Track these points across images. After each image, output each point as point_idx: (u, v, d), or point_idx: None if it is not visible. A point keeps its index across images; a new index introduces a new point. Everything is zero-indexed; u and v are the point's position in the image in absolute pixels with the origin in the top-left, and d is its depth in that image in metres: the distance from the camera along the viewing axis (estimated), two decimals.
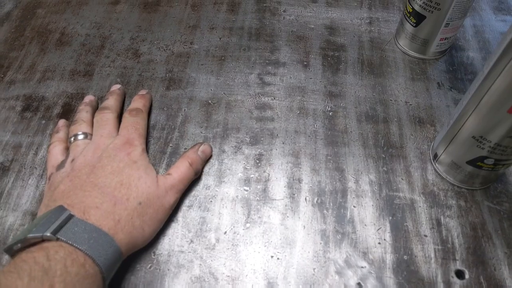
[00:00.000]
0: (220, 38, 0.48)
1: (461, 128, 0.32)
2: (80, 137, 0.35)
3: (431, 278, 0.31)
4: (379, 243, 0.33)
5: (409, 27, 0.43)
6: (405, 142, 0.39)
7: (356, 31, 0.48)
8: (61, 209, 0.28)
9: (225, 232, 0.34)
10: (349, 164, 0.37)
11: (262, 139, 0.39)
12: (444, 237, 0.33)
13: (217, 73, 0.44)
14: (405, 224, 0.34)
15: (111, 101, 0.39)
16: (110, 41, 0.48)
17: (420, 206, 0.35)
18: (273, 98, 0.42)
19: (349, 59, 0.45)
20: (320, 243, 0.33)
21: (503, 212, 0.34)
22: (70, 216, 0.28)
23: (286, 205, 0.35)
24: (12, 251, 0.27)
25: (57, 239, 0.26)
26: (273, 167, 0.37)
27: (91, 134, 0.36)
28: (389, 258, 0.32)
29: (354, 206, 0.35)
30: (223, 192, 0.36)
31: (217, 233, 0.34)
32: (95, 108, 0.40)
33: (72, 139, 0.36)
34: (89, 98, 0.41)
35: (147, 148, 0.38)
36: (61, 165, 0.33)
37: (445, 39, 0.42)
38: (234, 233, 0.34)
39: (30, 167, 0.38)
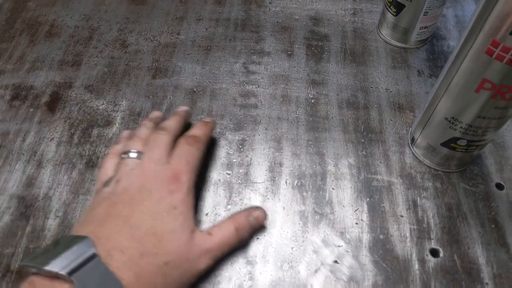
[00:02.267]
0: (206, 29, 0.48)
1: (434, 110, 0.32)
2: (133, 155, 0.32)
3: (406, 256, 0.32)
4: (356, 223, 0.34)
5: (390, 17, 0.44)
6: (385, 127, 0.39)
7: (340, 21, 0.49)
8: (87, 244, 0.26)
9: (207, 214, 0.35)
10: (329, 149, 0.38)
11: (245, 125, 0.40)
12: (420, 217, 0.34)
13: (202, 62, 0.45)
14: (382, 205, 0.35)
15: (171, 122, 0.35)
16: (98, 32, 0.49)
17: (397, 188, 0.36)
18: (257, 86, 0.43)
19: (332, 49, 0.46)
20: (299, 224, 0.34)
21: (478, 194, 0.35)
22: (94, 256, 0.25)
23: (267, 188, 0.36)
24: (27, 271, 0.26)
25: (71, 281, 0.24)
26: (255, 152, 0.38)
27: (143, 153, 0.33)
28: (365, 237, 0.33)
29: (333, 188, 0.36)
30: (205, 176, 0.37)
31: (199, 214, 0.35)
32: (157, 125, 0.36)
33: (124, 155, 0.33)
34: (155, 114, 0.38)
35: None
36: (107, 183, 0.31)
37: (425, 27, 0.43)
38: (216, 214, 0.35)
39: (18, 153, 0.39)
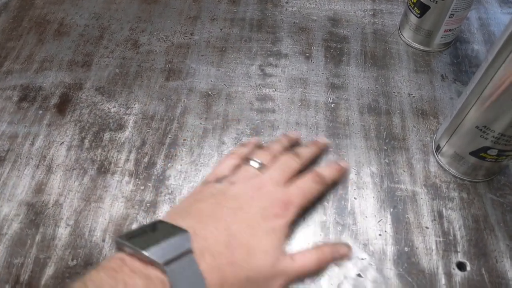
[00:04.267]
0: (221, 29, 0.47)
1: (464, 118, 0.31)
2: (255, 165, 0.33)
3: (432, 270, 0.31)
4: (379, 234, 0.33)
5: (413, 18, 0.42)
6: (408, 134, 0.38)
7: (360, 23, 0.47)
8: (185, 239, 0.26)
9: None
10: (350, 156, 0.37)
11: (262, 130, 0.39)
12: (446, 229, 0.33)
13: (217, 64, 0.44)
14: (406, 216, 0.33)
15: (307, 152, 0.35)
16: (109, 31, 0.47)
17: (422, 198, 0.34)
18: (274, 89, 0.42)
19: (352, 51, 0.45)
20: (320, 235, 0.33)
21: (506, 205, 0.34)
22: (188, 252, 0.26)
23: None
24: (120, 248, 0.26)
25: (164, 272, 0.24)
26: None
27: (266, 168, 0.33)
28: (389, 249, 0.32)
29: (355, 198, 0.34)
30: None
31: None
32: (292, 145, 0.37)
33: (247, 161, 0.33)
34: (296, 135, 0.38)
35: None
36: (220, 180, 0.32)
37: (449, 30, 0.41)
38: None
39: (26, 157, 0.37)
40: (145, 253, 0.24)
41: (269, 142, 0.37)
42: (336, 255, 0.31)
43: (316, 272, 0.31)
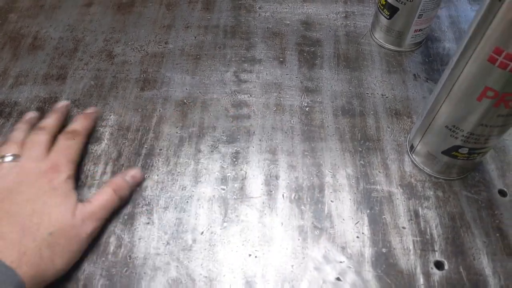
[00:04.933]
0: (195, 37, 0.47)
1: (435, 117, 0.31)
2: (8, 159, 0.33)
3: (410, 270, 0.31)
4: (357, 237, 0.33)
5: (383, 20, 0.43)
6: (382, 135, 0.38)
7: (332, 25, 0.48)
8: None
9: (202, 233, 0.33)
10: (326, 159, 0.37)
11: (238, 137, 0.39)
12: (423, 229, 0.33)
13: (192, 72, 0.44)
14: (383, 217, 0.34)
15: (50, 121, 0.37)
16: (83, 43, 0.47)
17: (398, 198, 0.35)
18: (249, 95, 0.42)
19: (325, 54, 0.45)
20: (298, 239, 0.33)
21: (481, 201, 0.34)
22: None
23: (263, 203, 0.35)
24: None
25: None
26: (250, 165, 0.37)
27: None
28: (367, 251, 0.32)
29: (331, 201, 0.35)
30: (199, 192, 0.35)
31: (193, 233, 0.33)
32: (34, 126, 0.37)
33: (2, 158, 0.33)
34: (29, 115, 0.39)
35: (78, 175, 0.36)
36: None
37: (419, 30, 0.42)
38: (211, 233, 0.33)
39: None
40: None
41: (10, 132, 0.36)
42: (128, 180, 0.34)
43: (118, 202, 0.33)
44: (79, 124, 0.37)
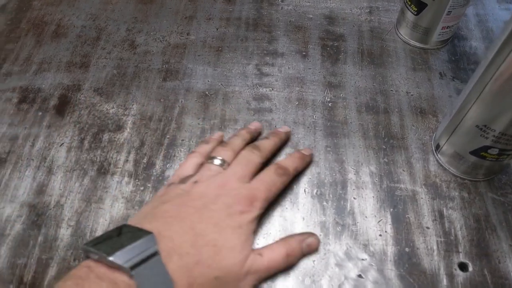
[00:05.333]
0: (217, 29, 0.47)
1: (464, 117, 0.31)
2: (217, 162, 0.33)
3: (434, 271, 0.31)
4: (380, 235, 0.32)
5: (410, 16, 0.42)
6: (407, 133, 0.38)
7: (356, 20, 0.47)
8: (150, 241, 0.26)
9: None
10: (349, 156, 0.37)
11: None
12: (447, 229, 0.33)
13: (214, 64, 0.44)
14: (406, 216, 0.33)
15: (268, 144, 0.35)
16: (106, 32, 0.47)
17: (422, 198, 0.34)
18: (271, 89, 0.41)
19: (348, 49, 0.44)
20: (320, 235, 0.33)
21: (508, 204, 0.34)
22: (155, 254, 0.25)
23: (285, 197, 0.34)
24: (87, 255, 0.26)
25: (131, 276, 0.24)
26: (272, 159, 0.37)
27: (229, 165, 0.33)
28: (390, 250, 0.32)
29: (354, 198, 0.34)
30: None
31: None
32: (253, 139, 0.37)
33: (210, 160, 0.33)
34: (255, 125, 0.37)
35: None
36: (184, 180, 0.32)
37: (447, 27, 0.41)
38: None
39: (27, 158, 0.37)
40: (110, 258, 0.24)
41: (231, 136, 0.36)
42: (304, 247, 0.31)
43: (285, 266, 0.31)
44: (293, 163, 0.34)
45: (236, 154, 0.34)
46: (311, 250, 0.32)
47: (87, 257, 0.26)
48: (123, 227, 0.28)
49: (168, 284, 0.25)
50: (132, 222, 0.29)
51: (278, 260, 0.30)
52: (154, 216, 0.29)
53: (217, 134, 0.37)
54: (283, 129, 0.37)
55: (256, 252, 0.29)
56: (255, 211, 0.30)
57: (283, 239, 0.31)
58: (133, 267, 0.24)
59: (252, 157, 0.33)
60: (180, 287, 0.25)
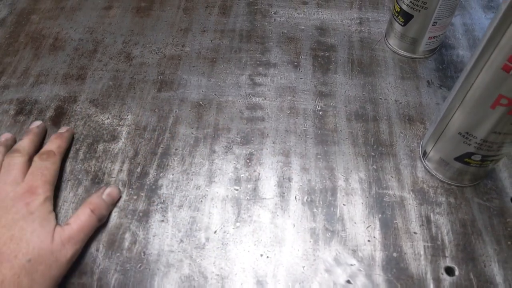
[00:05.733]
0: (211, 41, 0.48)
1: (448, 124, 0.32)
2: None
3: (421, 275, 0.31)
4: (368, 240, 0.33)
5: (397, 27, 0.43)
6: (395, 140, 0.39)
7: (346, 31, 0.48)
8: None
9: (215, 232, 0.34)
10: (339, 163, 0.37)
11: (252, 139, 0.39)
12: (434, 234, 0.33)
13: (208, 74, 0.45)
14: (394, 221, 0.34)
15: (25, 142, 0.37)
16: (103, 45, 0.48)
17: (409, 204, 0.35)
18: (263, 98, 0.42)
19: (339, 59, 0.45)
20: (310, 241, 0.33)
21: (493, 209, 0.34)
22: None
23: (276, 204, 0.35)
24: None
25: None
26: (263, 167, 0.38)
27: None
28: (378, 255, 0.32)
29: (343, 204, 0.35)
30: (213, 192, 0.36)
31: (207, 232, 0.34)
32: (10, 148, 0.37)
33: None
34: (4, 136, 0.38)
35: (56, 195, 0.36)
36: None
37: (433, 37, 0.42)
38: (224, 232, 0.34)
39: None
40: None
41: None
42: (105, 198, 0.34)
43: (97, 222, 0.33)
44: (53, 144, 0.37)
45: (0, 165, 0.35)
46: (113, 198, 0.35)
47: None
48: None
49: None
50: None
51: (86, 220, 0.32)
52: None
53: None
54: (34, 124, 0.40)
55: (64, 224, 0.32)
56: (41, 196, 0.32)
57: (85, 201, 0.34)
58: None
59: (13, 160, 0.34)
60: None
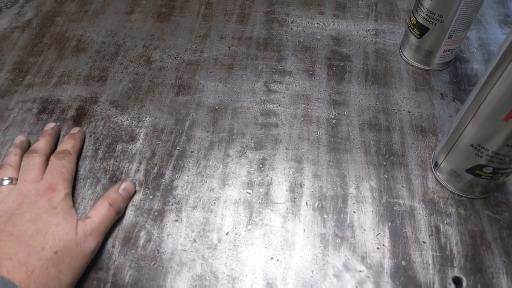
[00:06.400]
0: (229, 47, 0.49)
1: (460, 136, 0.32)
2: (5, 182, 0.35)
3: (429, 284, 0.32)
4: (377, 248, 0.34)
5: (413, 39, 0.44)
6: (407, 151, 0.39)
7: (362, 42, 0.49)
8: None
9: (227, 233, 0.35)
10: (350, 171, 0.38)
11: (266, 144, 0.40)
12: (443, 244, 0.34)
13: (225, 80, 0.46)
14: (404, 230, 0.34)
15: (41, 143, 0.38)
16: (124, 48, 0.50)
17: (419, 213, 0.35)
18: (278, 105, 0.43)
19: (354, 69, 0.46)
20: (320, 247, 0.34)
21: (503, 222, 0.35)
22: None
23: (287, 209, 0.36)
24: None
25: None
26: (276, 172, 0.38)
27: (17, 179, 0.35)
28: (387, 263, 0.33)
29: (354, 212, 0.36)
30: (226, 195, 0.37)
31: (219, 233, 0.35)
32: (26, 149, 0.39)
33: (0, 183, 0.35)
34: (20, 139, 0.40)
35: (73, 193, 0.37)
36: None
37: (448, 50, 0.43)
38: (236, 234, 0.35)
39: None
40: None
41: (4, 157, 0.38)
42: (122, 193, 0.36)
43: (116, 215, 0.35)
44: (68, 144, 0.39)
45: (19, 165, 0.36)
46: (129, 193, 0.37)
47: None
48: None
49: (6, 284, 0.27)
50: None
51: (105, 213, 0.34)
52: None
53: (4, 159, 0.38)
54: (48, 126, 0.41)
55: (84, 218, 0.33)
56: (62, 192, 0.34)
57: (103, 195, 0.36)
58: None
59: (32, 160, 0.36)
60: (21, 281, 0.27)
